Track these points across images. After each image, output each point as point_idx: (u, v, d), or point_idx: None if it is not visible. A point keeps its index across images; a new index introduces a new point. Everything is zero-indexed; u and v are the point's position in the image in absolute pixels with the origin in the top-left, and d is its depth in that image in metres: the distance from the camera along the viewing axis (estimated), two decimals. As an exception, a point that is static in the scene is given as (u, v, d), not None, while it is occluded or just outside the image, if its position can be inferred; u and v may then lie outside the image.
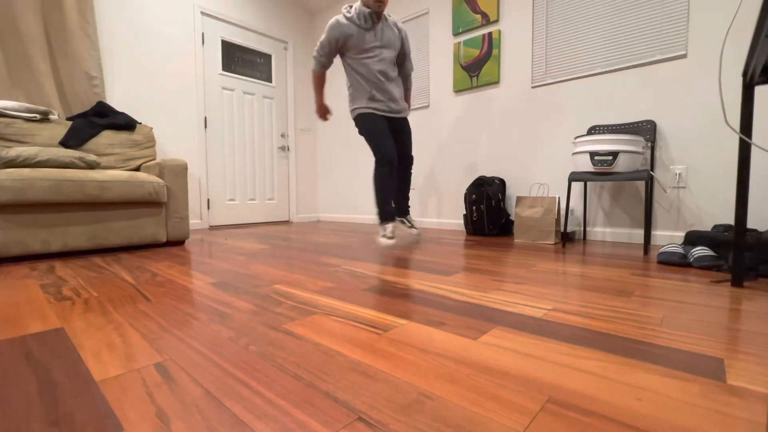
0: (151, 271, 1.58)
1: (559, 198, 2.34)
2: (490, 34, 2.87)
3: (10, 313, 1.02)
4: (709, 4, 2.03)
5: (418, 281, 1.34)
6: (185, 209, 2.38)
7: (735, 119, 1.99)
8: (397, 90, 2.27)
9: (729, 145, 2.02)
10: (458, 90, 3.10)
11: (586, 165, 2.04)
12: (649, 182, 1.98)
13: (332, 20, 2.12)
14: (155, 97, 3.08)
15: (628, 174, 1.97)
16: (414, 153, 3.50)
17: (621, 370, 0.66)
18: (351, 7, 2.16)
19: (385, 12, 2.43)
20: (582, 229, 2.53)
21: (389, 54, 2.22)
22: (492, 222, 2.69)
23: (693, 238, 1.72)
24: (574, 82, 2.52)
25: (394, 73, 2.27)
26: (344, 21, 2.11)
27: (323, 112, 2.39)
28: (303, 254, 1.95)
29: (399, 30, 2.28)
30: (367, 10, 2.10)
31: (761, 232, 1.56)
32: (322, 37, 2.15)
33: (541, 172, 2.71)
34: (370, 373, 0.66)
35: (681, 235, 2.17)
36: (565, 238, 2.25)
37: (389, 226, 2.16)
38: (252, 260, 1.78)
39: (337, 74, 4.16)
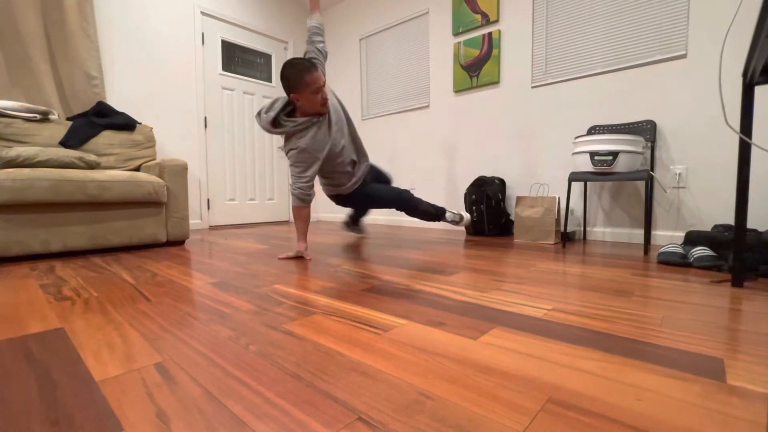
0: (151, 271, 1.58)
1: (559, 198, 2.33)
2: (490, 34, 2.87)
3: (10, 313, 1.02)
4: (709, 4, 2.02)
5: (418, 281, 1.34)
6: (185, 209, 2.38)
7: (735, 119, 1.99)
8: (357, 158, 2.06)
9: (729, 145, 2.02)
10: (458, 90, 3.10)
11: (586, 165, 2.04)
12: (649, 182, 1.98)
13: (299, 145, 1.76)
14: (155, 97, 3.08)
15: (628, 174, 1.97)
16: (414, 153, 3.50)
17: (621, 370, 0.66)
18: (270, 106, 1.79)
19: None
20: (582, 229, 2.53)
21: (346, 135, 1.97)
22: (492, 222, 2.69)
23: (693, 238, 1.72)
24: (574, 82, 2.52)
25: (354, 154, 2.04)
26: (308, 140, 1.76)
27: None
28: (303, 254, 1.95)
29: (335, 96, 1.96)
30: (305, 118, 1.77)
31: (761, 232, 1.56)
32: (297, 169, 1.77)
33: (541, 172, 2.71)
34: (370, 373, 0.66)
35: (681, 235, 2.17)
36: (565, 238, 2.25)
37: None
38: (252, 260, 1.78)
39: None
